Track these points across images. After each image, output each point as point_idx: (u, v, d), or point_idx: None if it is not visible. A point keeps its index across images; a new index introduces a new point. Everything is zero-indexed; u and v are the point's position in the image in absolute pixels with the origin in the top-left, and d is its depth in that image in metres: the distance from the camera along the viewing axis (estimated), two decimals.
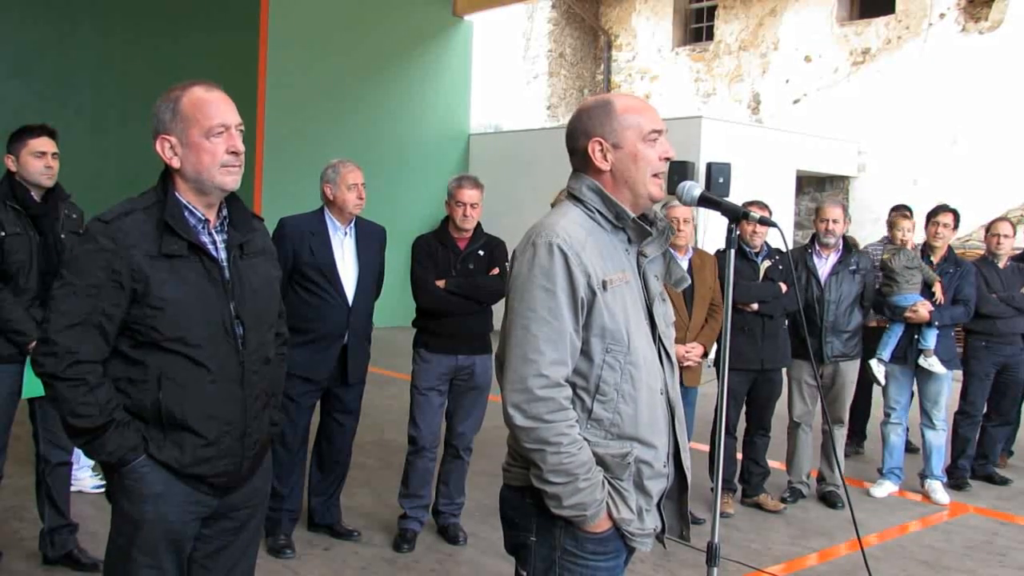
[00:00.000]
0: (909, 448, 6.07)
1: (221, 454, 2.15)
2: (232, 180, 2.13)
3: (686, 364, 4.62)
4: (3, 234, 3.54)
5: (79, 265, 2.05)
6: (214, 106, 2.10)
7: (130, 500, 2.11)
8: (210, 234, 2.18)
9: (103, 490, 4.77)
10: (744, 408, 5.14)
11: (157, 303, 2.04)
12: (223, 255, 2.18)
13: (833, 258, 5.22)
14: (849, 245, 5.31)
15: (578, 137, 2.03)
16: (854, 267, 5.20)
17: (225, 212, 2.23)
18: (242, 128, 2.16)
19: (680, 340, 4.59)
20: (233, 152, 2.11)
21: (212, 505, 2.20)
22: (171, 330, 2.06)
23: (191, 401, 2.09)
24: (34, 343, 3.55)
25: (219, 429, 2.13)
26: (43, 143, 3.65)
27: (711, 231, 9.69)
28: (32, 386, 3.69)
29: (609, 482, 1.92)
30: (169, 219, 2.08)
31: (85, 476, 4.87)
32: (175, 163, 2.11)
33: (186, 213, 2.13)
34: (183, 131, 2.09)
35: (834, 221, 5.16)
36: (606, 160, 2.00)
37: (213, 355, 2.11)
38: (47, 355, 2.03)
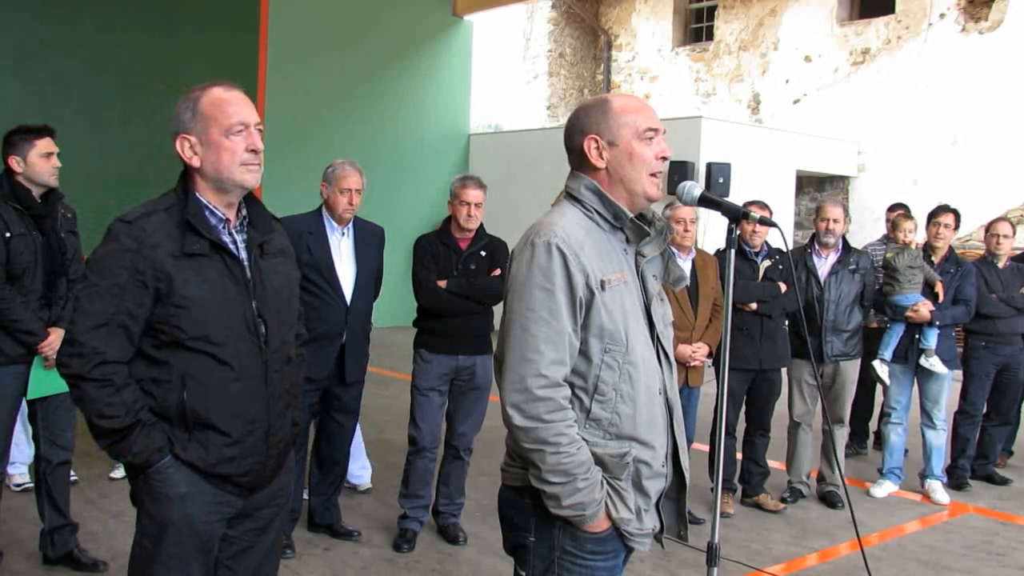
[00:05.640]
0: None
1: (246, 453, 2.13)
2: (252, 178, 2.12)
3: (693, 364, 4.64)
4: (9, 235, 3.52)
5: (103, 265, 2.03)
6: (233, 105, 2.10)
7: (156, 502, 2.09)
8: (230, 234, 2.16)
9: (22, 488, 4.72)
10: (744, 408, 5.15)
11: (181, 302, 2.03)
12: (244, 254, 2.17)
13: (833, 258, 5.23)
14: (849, 245, 5.32)
15: (575, 134, 2.03)
16: (854, 267, 5.21)
17: (245, 212, 2.22)
18: (261, 127, 2.15)
19: (686, 340, 4.60)
20: (252, 150, 2.11)
21: (237, 505, 2.18)
22: (195, 329, 2.05)
23: (215, 400, 2.08)
24: (42, 343, 3.59)
25: (244, 428, 2.12)
26: (49, 144, 3.64)
27: (711, 231, 9.68)
28: (33, 387, 3.69)
29: (608, 482, 1.92)
30: (191, 218, 2.07)
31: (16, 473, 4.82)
32: (195, 162, 2.10)
33: (207, 213, 2.12)
34: (203, 130, 2.08)
35: (834, 221, 5.17)
36: (601, 158, 1.99)
37: (236, 353, 2.10)
38: (73, 356, 2.01)
